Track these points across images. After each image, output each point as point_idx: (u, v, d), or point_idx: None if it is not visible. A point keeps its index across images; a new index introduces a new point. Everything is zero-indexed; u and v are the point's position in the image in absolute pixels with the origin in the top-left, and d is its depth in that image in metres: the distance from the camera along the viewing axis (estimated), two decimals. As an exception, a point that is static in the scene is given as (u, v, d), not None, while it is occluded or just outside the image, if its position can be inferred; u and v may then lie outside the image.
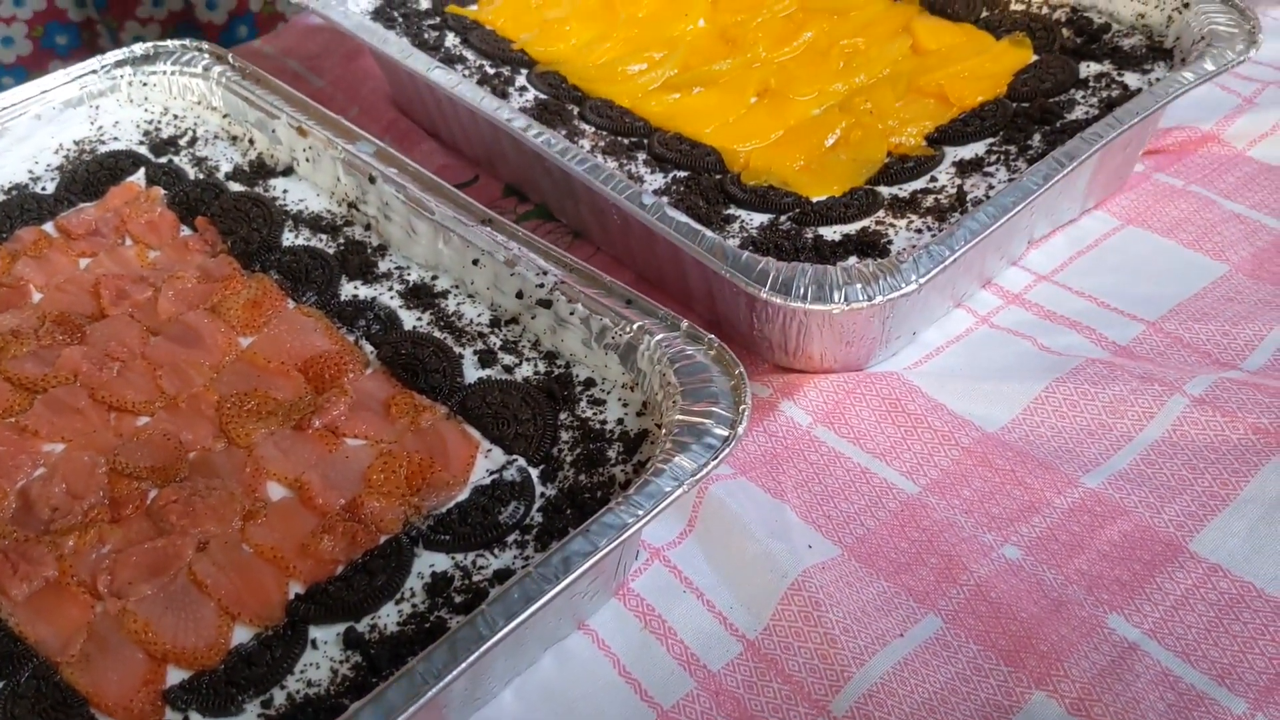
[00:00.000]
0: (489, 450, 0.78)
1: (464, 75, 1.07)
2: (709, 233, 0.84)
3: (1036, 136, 0.96)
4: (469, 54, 1.13)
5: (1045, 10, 1.11)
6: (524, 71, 1.10)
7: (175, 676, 0.67)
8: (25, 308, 0.91)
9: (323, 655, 0.67)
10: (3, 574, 0.71)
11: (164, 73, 1.08)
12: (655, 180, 0.96)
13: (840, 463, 0.85)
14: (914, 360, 0.92)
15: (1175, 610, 0.74)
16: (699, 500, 0.82)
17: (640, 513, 0.67)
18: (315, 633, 0.68)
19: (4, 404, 0.83)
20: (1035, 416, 0.86)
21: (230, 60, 1.08)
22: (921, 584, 0.77)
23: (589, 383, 0.81)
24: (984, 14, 1.11)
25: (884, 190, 0.93)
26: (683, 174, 0.96)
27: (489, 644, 0.61)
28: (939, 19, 1.10)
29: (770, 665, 0.74)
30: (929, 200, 0.91)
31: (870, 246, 0.87)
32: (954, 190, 0.92)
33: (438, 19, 1.18)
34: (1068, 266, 0.99)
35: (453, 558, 0.72)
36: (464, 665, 0.60)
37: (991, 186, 0.91)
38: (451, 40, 1.15)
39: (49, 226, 0.98)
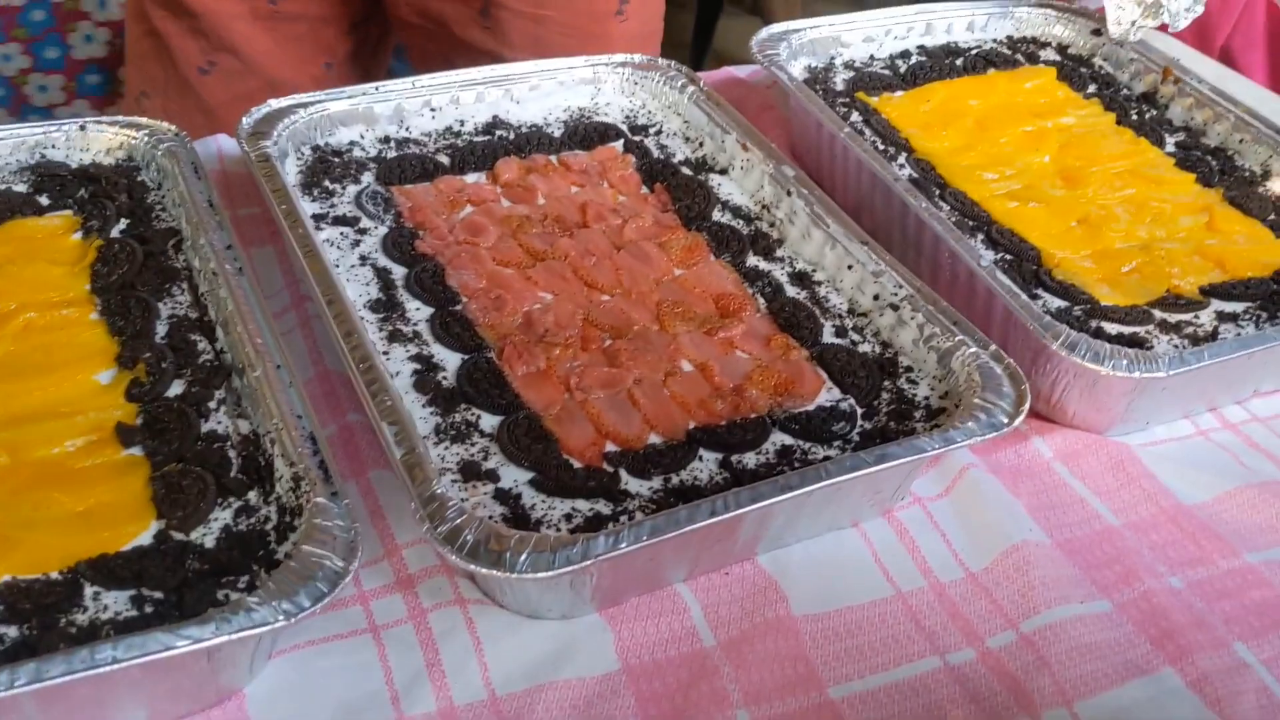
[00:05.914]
0: (831, 388, 1.12)
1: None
2: (1024, 295, 1.16)
3: (1286, 312, 1.24)
4: (866, 131, 1.48)
5: (1325, 230, 1.39)
6: (904, 155, 1.45)
7: (611, 449, 1.03)
8: (533, 206, 1.31)
9: (705, 466, 1.02)
10: (513, 358, 1.09)
11: (651, 79, 1.48)
12: (987, 256, 1.28)
13: (1066, 489, 1.15)
14: (1141, 442, 1.21)
15: (1287, 654, 1.01)
16: (959, 476, 1.14)
17: (931, 447, 0.99)
18: (702, 452, 1.03)
19: (519, 259, 1.22)
20: (1222, 505, 1.14)
21: (699, 84, 1.47)
22: (1103, 580, 1.06)
23: (909, 369, 1.14)
24: (1272, 217, 1.40)
25: (1157, 313, 1.23)
26: (1009, 258, 1.29)
27: (817, 485, 0.94)
28: (1236, 210, 1.40)
29: (983, 591, 1.04)
30: (1189, 329, 1.21)
31: (1138, 346, 1.17)
32: (1210, 329, 1.21)
33: (848, 99, 1.54)
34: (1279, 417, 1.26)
35: (796, 441, 1.05)
36: (799, 491, 0.93)
37: (1240, 334, 1.20)
38: (855, 117, 1.51)
39: (554, 159, 1.39)
